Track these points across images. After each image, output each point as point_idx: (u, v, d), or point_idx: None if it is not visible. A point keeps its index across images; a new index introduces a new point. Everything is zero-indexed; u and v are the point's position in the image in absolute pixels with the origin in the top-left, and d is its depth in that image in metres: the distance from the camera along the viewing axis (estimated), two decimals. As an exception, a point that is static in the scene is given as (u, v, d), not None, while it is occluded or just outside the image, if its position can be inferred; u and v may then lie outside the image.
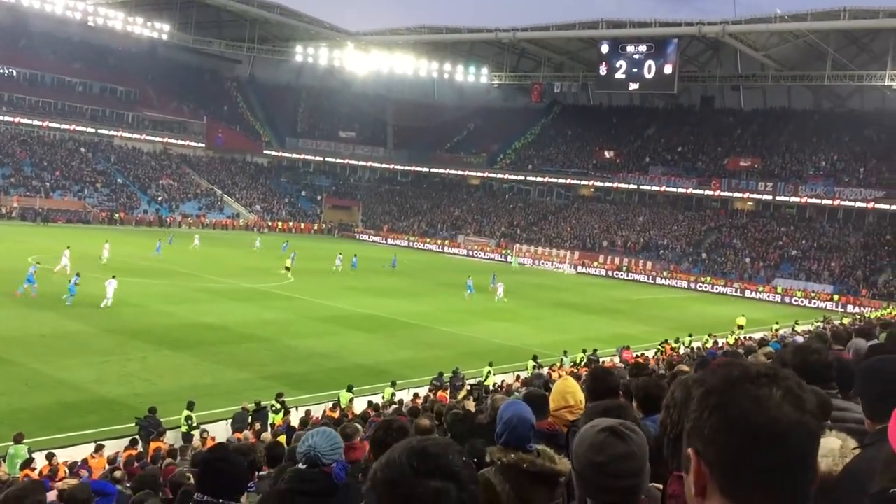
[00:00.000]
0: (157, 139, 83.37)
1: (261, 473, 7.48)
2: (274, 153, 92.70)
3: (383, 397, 20.57)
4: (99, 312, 29.12)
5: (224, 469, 3.47)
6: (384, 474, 1.46)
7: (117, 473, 11.14)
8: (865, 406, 3.16)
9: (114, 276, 30.99)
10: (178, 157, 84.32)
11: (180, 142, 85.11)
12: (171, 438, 16.20)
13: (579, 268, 67.08)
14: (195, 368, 23.20)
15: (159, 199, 75.56)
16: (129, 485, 9.37)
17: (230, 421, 17.59)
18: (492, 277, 47.72)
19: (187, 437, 16.19)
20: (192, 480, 8.48)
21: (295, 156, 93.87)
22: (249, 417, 17.48)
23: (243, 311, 32.27)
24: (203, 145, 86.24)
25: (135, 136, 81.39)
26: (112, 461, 13.36)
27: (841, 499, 2.76)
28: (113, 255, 41.13)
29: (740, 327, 37.68)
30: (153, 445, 14.52)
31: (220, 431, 17.16)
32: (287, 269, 44.64)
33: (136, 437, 15.43)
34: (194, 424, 17.04)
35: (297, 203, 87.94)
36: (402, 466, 1.45)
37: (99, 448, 14.48)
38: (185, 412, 17.19)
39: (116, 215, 69.00)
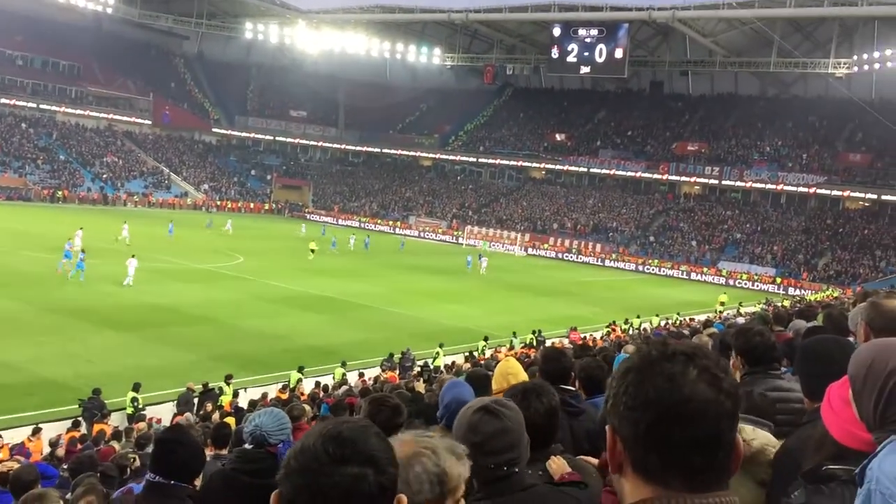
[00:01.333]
0: (102, 115, 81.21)
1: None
2: (223, 132, 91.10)
3: (334, 378, 20.52)
4: (38, 291, 28.44)
5: (177, 450, 3.40)
6: (298, 462, 1.40)
7: (59, 453, 10.92)
8: (803, 385, 3.25)
9: (133, 256, 32.45)
10: (124, 134, 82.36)
11: (126, 118, 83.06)
12: (116, 420, 15.95)
13: (529, 250, 67.54)
14: (141, 350, 22.80)
15: (103, 176, 73.79)
16: (66, 466, 9.19)
17: (175, 402, 17.36)
18: (478, 256, 51.36)
19: (133, 419, 15.93)
20: (136, 462, 8.35)
21: (244, 135, 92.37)
22: (196, 399, 17.27)
23: (192, 292, 31.80)
24: (149, 122, 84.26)
25: (78, 111, 79.12)
26: (54, 444, 13.08)
27: (776, 475, 2.83)
28: (56, 235, 40.09)
29: (722, 304, 40.09)
30: (97, 427, 14.25)
31: (166, 413, 16.94)
32: (312, 251, 46.66)
33: (79, 419, 15.14)
34: (140, 406, 16.79)
35: (247, 183, 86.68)
36: (316, 453, 1.39)
37: (37, 431, 14.16)
38: (131, 394, 16.93)
39: (59, 193, 67.22)
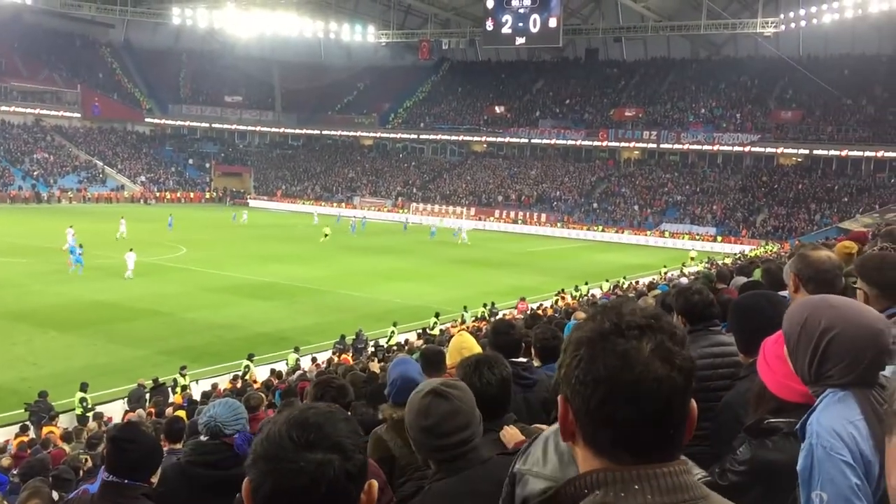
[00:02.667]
0: (28, 111, 78.52)
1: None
2: (156, 121, 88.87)
3: (287, 364, 20.41)
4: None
5: (131, 448, 3.35)
6: (264, 448, 1.40)
7: (5, 462, 10.67)
8: (738, 341, 3.34)
9: (131, 249, 33.51)
10: (53, 128, 79.88)
11: (53, 112, 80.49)
12: (65, 422, 15.63)
13: (476, 223, 67.61)
14: (87, 349, 22.33)
15: (34, 174, 71.59)
16: (15, 472, 9.00)
17: (126, 399, 17.09)
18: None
19: (83, 420, 15.65)
20: (88, 463, 8.22)
21: (179, 123, 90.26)
22: (147, 395, 17.03)
23: (136, 287, 31.18)
24: (79, 115, 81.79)
25: (3, 108, 76.43)
26: (2, 450, 12.78)
27: (719, 428, 2.93)
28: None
29: (692, 259, 43.82)
30: (45, 430, 13.95)
31: (118, 411, 16.68)
32: (326, 235, 49.37)
33: (27, 423, 14.80)
34: (89, 406, 16.48)
35: (185, 172, 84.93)
36: (281, 439, 1.39)
37: (-15, 437, 13.83)
38: (79, 394, 16.61)
39: (-11, 193, 65.12)
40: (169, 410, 14.55)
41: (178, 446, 6.06)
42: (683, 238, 60.76)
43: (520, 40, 73.19)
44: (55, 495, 6.86)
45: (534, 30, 70.48)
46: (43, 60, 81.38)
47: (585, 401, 1.32)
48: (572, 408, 1.36)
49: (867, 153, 62.73)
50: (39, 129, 78.84)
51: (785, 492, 2.13)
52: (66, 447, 11.37)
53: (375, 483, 1.47)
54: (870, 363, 2.02)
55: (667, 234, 62.03)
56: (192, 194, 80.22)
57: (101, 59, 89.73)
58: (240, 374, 19.24)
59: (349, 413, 3.53)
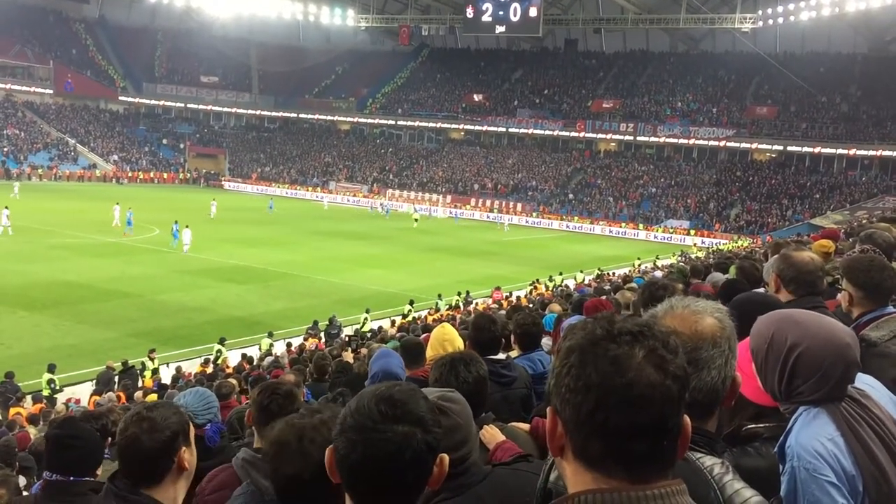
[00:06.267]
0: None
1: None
2: (130, 99, 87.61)
3: (260, 348, 20.29)
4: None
5: (73, 445, 3.24)
6: (354, 420, 1.53)
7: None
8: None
9: (187, 226, 35.88)
10: (24, 104, 78.50)
11: (25, 88, 79.08)
12: (32, 403, 15.41)
13: (452, 211, 67.59)
14: (56, 329, 22.04)
15: (4, 150, 70.36)
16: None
17: (94, 381, 16.89)
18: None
19: (50, 402, 15.44)
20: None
21: (154, 102, 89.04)
22: (116, 377, 16.83)
23: (107, 267, 30.79)
24: (51, 91, 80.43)
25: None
26: (-33, 431, 12.56)
27: None
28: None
29: (695, 246, 47.19)
30: (13, 412, 13.75)
31: (86, 393, 16.48)
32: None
33: (-6, 404, 14.59)
34: (57, 388, 16.28)
35: (159, 152, 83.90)
36: (370, 412, 1.53)
37: (-51, 418, 13.59)
38: (47, 375, 16.39)
39: (-44, 169, 63.90)
40: (139, 394, 14.41)
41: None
42: (658, 231, 61.18)
43: (500, 28, 73.07)
44: (22, 480, 6.75)
45: (514, 18, 70.38)
46: (15, 35, 79.73)
47: (576, 409, 1.27)
48: (562, 419, 1.31)
49: (840, 151, 63.44)
50: (10, 105, 77.45)
51: (769, 497, 2.12)
52: (33, 430, 11.20)
53: (447, 456, 1.60)
54: (839, 378, 2.02)
55: (641, 226, 62.40)
56: (165, 175, 79.28)
57: (75, 36, 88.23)
58: (211, 358, 19.09)
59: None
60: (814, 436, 1.95)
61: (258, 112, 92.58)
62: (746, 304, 2.66)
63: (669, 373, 1.28)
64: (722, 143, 68.43)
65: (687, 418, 1.32)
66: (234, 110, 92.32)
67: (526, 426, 3.30)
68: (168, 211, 48.86)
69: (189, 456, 2.41)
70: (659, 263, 33.74)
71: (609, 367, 1.26)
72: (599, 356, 1.28)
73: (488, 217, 66.00)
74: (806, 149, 65.22)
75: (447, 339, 4.25)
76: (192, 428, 2.49)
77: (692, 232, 59.86)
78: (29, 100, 79.21)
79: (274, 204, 58.97)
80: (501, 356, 4.66)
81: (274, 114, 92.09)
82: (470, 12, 72.25)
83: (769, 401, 2.20)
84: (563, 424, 1.31)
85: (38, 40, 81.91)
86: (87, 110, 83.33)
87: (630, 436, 1.25)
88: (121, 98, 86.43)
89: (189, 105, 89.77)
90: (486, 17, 71.80)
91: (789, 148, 65.98)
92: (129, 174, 75.48)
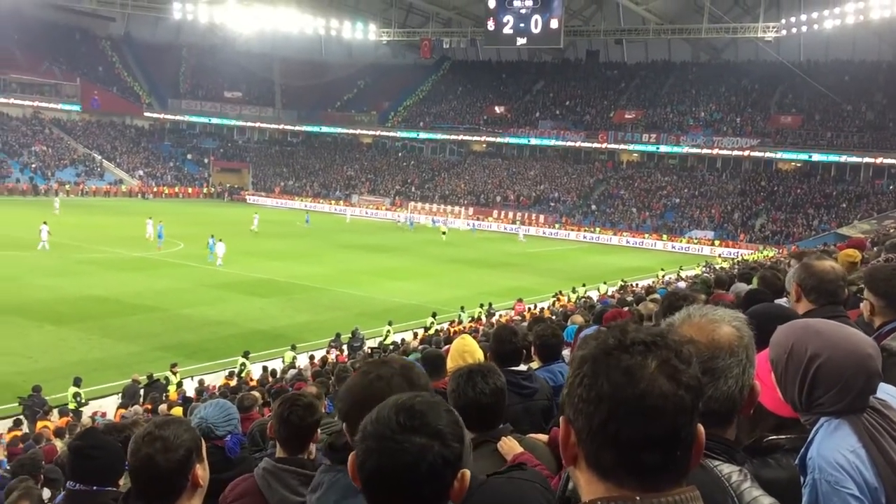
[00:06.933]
0: (27, 103, 78.37)
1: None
2: (156, 115, 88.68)
3: (284, 361, 20.37)
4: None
5: (96, 455, 3.28)
6: (373, 428, 1.53)
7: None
8: None
9: (220, 239, 36.60)
10: (52, 121, 79.71)
11: (53, 105, 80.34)
12: (59, 417, 15.58)
13: (474, 223, 67.56)
14: (82, 343, 22.27)
15: (32, 166, 71.42)
16: (7, 468, 8.94)
17: (120, 395, 17.04)
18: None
19: (76, 415, 15.59)
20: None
21: (178, 118, 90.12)
22: (142, 390, 16.97)
23: (133, 282, 31.11)
24: (78, 108, 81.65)
25: (1, 100, 76.24)
26: (-5, 444, 12.73)
27: None
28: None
29: (720, 257, 47.17)
30: (39, 425, 13.91)
31: (111, 406, 16.62)
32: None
33: (21, 417, 14.75)
34: (83, 401, 16.44)
35: (183, 167, 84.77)
36: (389, 421, 1.52)
37: (-22, 433, 13.76)
38: (73, 389, 16.55)
39: (-14, 185, 64.99)
40: (164, 407, 14.51)
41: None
42: (681, 241, 60.77)
43: (521, 41, 73.19)
44: (46, 492, 6.81)
45: (535, 30, 70.47)
46: (43, 53, 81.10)
47: (588, 419, 1.27)
48: (574, 428, 1.31)
49: (866, 159, 62.74)
50: (38, 122, 78.68)
51: (790, 509, 2.09)
52: (59, 443, 11.31)
53: (468, 472, 1.57)
54: (861, 389, 1.99)
55: (665, 237, 62.02)
56: (190, 189, 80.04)
57: (102, 53, 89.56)
58: (235, 371, 19.19)
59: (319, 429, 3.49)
60: (836, 447, 1.92)
61: (281, 126, 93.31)
62: (762, 316, 2.64)
63: (682, 383, 1.27)
64: (746, 153, 67.92)
65: (701, 427, 1.31)
66: (257, 125, 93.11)
67: (545, 437, 3.29)
68: (192, 225, 49.35)
69: (202, 472, 2.41)
70: (683, 274, 33.51)
71: (621, 378, 1.26)
72: (612, 367, 1.27)
73: (505, 228, 65.87)
74: (832, 157, 64.57)
75: (467, 351, 4.25)
76: (203, 443, 2.49)
77: (717, 242, 59.39)
78: (56, 116, 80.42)
79: (310, 218, 59.73)
80: (523, 368, 4.65)
81: (296, 128, 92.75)
82: (491, 25, 72.45)
83: (790, 412, 2.18)
84: (576, 434, 1.31)
85: (65, 58, 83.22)
86: (113, 126, 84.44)
87: (642, 446, 1.25)
88: (146, 114, 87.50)
89: (213, 120, 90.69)
90: (508, 30, 71.96)
91: (815, 157, 65.35)
92: (155, 189, 76.31)
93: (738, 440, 1.92)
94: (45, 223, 37.80)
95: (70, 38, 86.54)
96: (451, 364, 4.41)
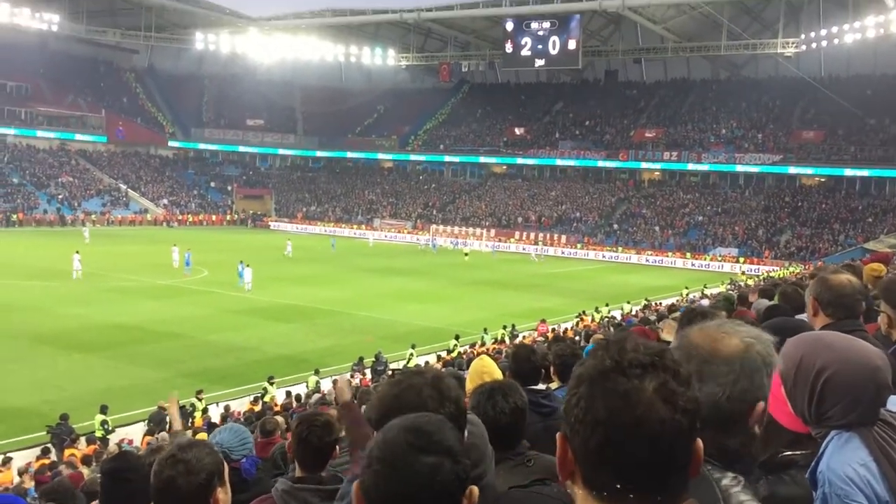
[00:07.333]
0: (54, 135, 79.76)
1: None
2: (179, 144, 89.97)
3: (307, 386, 20.41)
4: (2, 318, 27.84)
5: (128, 478, 3.32)
6: (381, 451, 1.50)
7: (27, 483, 10.71)
8: None
9: (248, 265, 36.98)
10: (78, 152, 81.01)
11: (79, 137, 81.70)
12: (86, 445, 15.70)
13: (495, 245, 67.50)
14: (109, 371, 22.46)
15: (59, 197, 72.54)
16: (37, 496, 9.01)
17: (146, 422, 17.14)
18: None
19: (103, 443, 15.70)
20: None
21: (201, 146, 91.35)
22: (167, 417, 17.03)
23: (158, 309, 31.38)
24: (104, 140, 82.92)
25: (29, 133, 77.66)
26: (23, 471, 12.84)
27: None
28: (16, 257, 39.39)
29: (743, 274, 46.76)
30: (67, 453, 14.02)
31: (138, 434, 16.72)
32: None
33: (49, 445, 14.88)
34: (110, 429, 16.54)
35: (207, 195, 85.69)
36: (398, 443, 1.49)
37: (7, 461, 13.88)
38: (99, 416, 16.68)
39: (14, 217, 65.96)
40: (189, 433, 14.56)
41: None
42: (705, 259, 60.34)
43: (539, 62, 73.62)
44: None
45: (553, 52, 70.83)
46: (69, 86, 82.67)
47: (584, 441, 1.27)
48: (571, 447, 1.31)
49: (892, 173, 62.10)
50: (64, 153, 79.99)
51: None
52: (86, 470, 11.39)
53: (476, 489, 1.55)
54: (870, 401, 1.97)
55: (688, 254, 61.62)
56: (213, 217, 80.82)
57: (126, 84, 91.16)
58: (259, 396, 19.26)
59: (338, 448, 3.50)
60: (845, 461, 1.91)
61: (303, 152, 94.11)
62: (777, 330, 2.63)
63: (679, 407, 1.26)
64: (768, 169, 67.47)
65: (699, 443, 1.31)
66: (279, 151, 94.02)
67: None
68: (217, 252, 49.80)
69: (224, 496, 2.43)
70: (707, 292, 33.24)
71: (618, 403, 1.25)
72: (608, 390, 1.26)
73: (523, 249, 65.67)
74: (856, 172, 63.97)
75: (486, 371, 4.24)
76: (225, 466, 2.52)
77: (741, 259, 58.91)
78: (82, 148, 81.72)
79: (336, 242, 60.16)
80: (542, 387, 4.64)
81: (318, 153, 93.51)
82: (509, 47, 72.92)
83: (805, 427, 2.16)
84: (573, 452, 1.31)
85: (90, 90, 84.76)
86: (137, 156, 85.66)
87: (639, 469, 1.25)
88: (170, 143, 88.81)
89: (236, 148, 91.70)
90: (525, 52, 72.40)
91: (839, 171, 64.77)
92: (179, 217, 77.14)
93: (751, 453, 1.91)
94: (77, 252, 38.37)
95: (95, 70, 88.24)
96: (469, 385, 4.41)
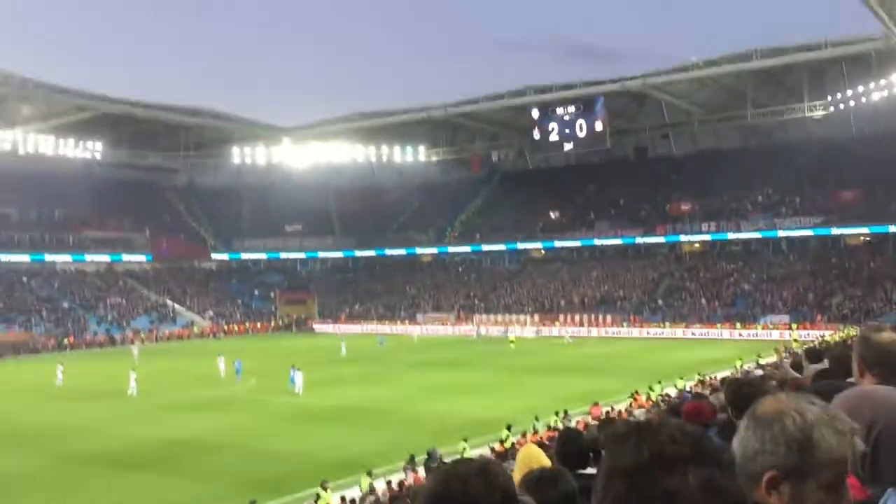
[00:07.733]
0: (102, 259, 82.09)
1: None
2: (221, 256, 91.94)
3: (360, 488, 20.07)
4: (51, 444, 28.03)
5: None
6: None
7: None
8: None
9: (299, 369, 37.64)
10: (125, 272, 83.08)
11: (125, 257, 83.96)
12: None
13: (538, 330, 66.92)
14: (164, 488, 22.35)
15: (108, 318, 74.03)
16: None
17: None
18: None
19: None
20: None
21: (243, 256, 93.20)
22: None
23: (208, 421, 31.41)
24: (149, 259, 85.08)
25: (77, 258, 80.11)
26: None
27: None
28: (67, 380, 40.03)
29: (795, 341, 45.22)
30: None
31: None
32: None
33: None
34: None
35: (251, 304, 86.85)
36: None
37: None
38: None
39: (65, 340, 67.27)
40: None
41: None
42: (756, 328, 59.07)
43: (568, 146, 74.62)
44: None
45: (581, 134, 71.81)
46: (113, 209, 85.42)
47: None
48: None
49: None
50: (112, 275, 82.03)
51: None
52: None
53: None
54: None
55: (738, 325, 60.38)
56: (258, 324, 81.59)
57: (167, 203, 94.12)
58: (313, 501, 18.97)
59: None
60: None
61: (342, 254, 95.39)
62: (825, 394, 2.56)
63: (724, 501, 1.17)
64: (810, 232, 66.59)
65: None
66: (318, 255, 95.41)
67: None
68: (263, 359, 50.08)
69: None
70: (762, 362, 32.39)
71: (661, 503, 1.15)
72: (650, 486, 1.15)
73: (567, 332, 64.68)
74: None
75: (533, 459, 4.17)
76: None
77: (794, 326, 57.53)
78: (128, 268, 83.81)
79: (385, 339, 60.27)
80: (591, 471, 4.53)
81: (357, 254, 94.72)
82: (536, 134, 74.17)
83: (862, 492, 2.09)
84: None
85: (134, 211, 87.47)
86: (181, 271, 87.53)
87: None
88: (212, 256, 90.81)
89: (277, 255, 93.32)
90: (553, 137, 73.52)
91: (883, 229, 63.67)
92: (225, 328, 78.02)
93: None
94: (132, 370, 39.06)
95: (138, 192, 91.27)
96: (517, 475, 4.33)
